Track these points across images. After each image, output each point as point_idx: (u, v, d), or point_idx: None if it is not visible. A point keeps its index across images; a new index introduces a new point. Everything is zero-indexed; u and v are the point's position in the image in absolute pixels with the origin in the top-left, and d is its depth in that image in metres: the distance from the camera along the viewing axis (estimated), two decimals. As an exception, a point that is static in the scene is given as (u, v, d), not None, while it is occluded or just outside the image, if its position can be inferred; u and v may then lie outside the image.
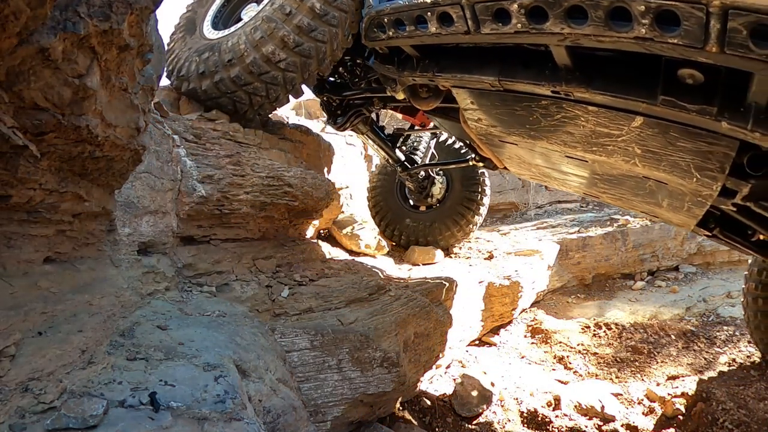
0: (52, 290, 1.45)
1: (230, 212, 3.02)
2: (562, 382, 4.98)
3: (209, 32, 3.69)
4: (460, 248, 6.56)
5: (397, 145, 5.36)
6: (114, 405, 1.25)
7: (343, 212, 5.86)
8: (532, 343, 5.97)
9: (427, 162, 5.58)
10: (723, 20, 1.21)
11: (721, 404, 3.92)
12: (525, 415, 4.37)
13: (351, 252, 5.33)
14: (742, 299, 4.63)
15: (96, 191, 1.66)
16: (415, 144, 5.69)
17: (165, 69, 3.64)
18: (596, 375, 5.25)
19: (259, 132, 3.53)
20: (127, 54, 1.31)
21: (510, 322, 6.34)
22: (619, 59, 1.72)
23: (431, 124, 4.88)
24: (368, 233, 5.66)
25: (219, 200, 2.92)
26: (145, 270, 2.26)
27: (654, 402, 4.59)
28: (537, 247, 7.16)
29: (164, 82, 3.64)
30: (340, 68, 4.05)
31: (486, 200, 5.94)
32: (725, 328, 5.98)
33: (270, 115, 4.38)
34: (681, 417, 4.20)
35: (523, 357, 5.59)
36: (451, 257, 6.26)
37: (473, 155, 4.32)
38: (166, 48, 3.78)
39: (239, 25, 3.45)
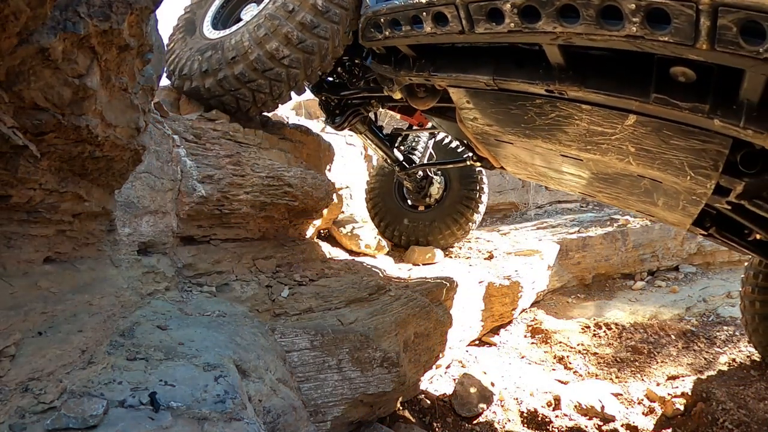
0: (52, 290, 1.45)
1: (230, 212, 3.02)
2: (562, 382, 4.98)
3: (209, 32, 3.70)
4: (460, 248, 6.56)
5: (396, 144, 5.37)
6: (114, 405, 1.25)
7: (343, 212, 5.86)
8: (532, 343, 5.97)
9: (425, 162, 5.59)
10: (713, 17, 1.22)
11: (721, 404, 3.92)
12: (525, 415, 4.37)
13: (351, 252, 5.33)
14: (740, 303, 4.63)
15: (96, 191, 1.66)
16: (413, 144, 5.70)
17: (165, 69, 3.64)
18: (596, 375, 5.25)
19: (259, 132, 3.53)
20: (127, 54, 1.31)
21: (510, 322, 6.34)
22: (612, 58, 1.74)
23: (429, 124, 4.89)
24: (368, 233, 5.66)
25: (219, 200, 2.92)
26: (145, 270, 2.26)
27: (654, 402, 4.59)
28: (537, 247, 7.16)
29: (164, 82, 3.64)
30: (339, 68, 4.06)
31: (484, 198, 5.95)
32: (725, 328, 5.98)
33: (270, 115, 4.38)
34: (681, 417, 4.20)
35: (523, 357, 5.59)
36: (451, 257, 6.26)
37: (471, 155, 4.33)
38: (165, 49, 3.79)
39: (241, 24, 3.46)
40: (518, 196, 11.39)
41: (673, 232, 8.25)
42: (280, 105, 3.60)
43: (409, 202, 6.03)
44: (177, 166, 2.73)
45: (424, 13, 2.02)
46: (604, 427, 4.25)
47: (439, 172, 5.90)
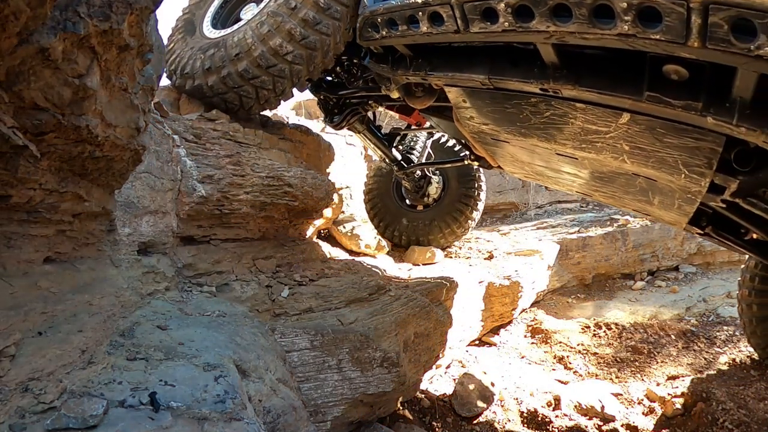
0: (52, 290, 1.45)
1: (230, 212, 3.02)
2: (562, 382, 4.98)
3: (210, 32, 3.71)
4: (460, 248, 6.56)
5: (394, 144, 5.37)
6: (114, 405, 1.25)
7: (343, 212, 5.86)
8: (532, 343, 5.97)
9: (423, 161, 5.60)
10: (704, 15, 1.23)
11: (721, 404, 3.92)
12: (525, 415, 4.37)
13: (351, 252, 5.33)
14: (737, 306, 4.64)
15: (96, 191, 1.66)
16: (411, 143, 5.70)
17: (166, 69, 3.65)
18: (596, 375, 5.25)
19: (259, 132, 3.53)
20: (127, 54, 1.31)
21: (510, 322, 6.34)
22: (606, 57, 1.75)
23: (427, 124, 4.89)
24: (368, 233, 5.66)
25: (219, 200, 2.92)
26: (145, 270, 2.26)
27: (654, 402, 4.59)
28: (537, 247, 7.16)
29: (164, 82, 3.65)
30: (337, 67, 4.08)
31: (483, 196, 5.97)
32: (725, 328, 5.98)
33: (270, 115, 4.38)
34: (681, 417, 4.20)
35: (523, 357, 5.59)
36: (451, 257, 6.26)
37: (468, 154, 4.34)
38: (165, 49, 3.79)
39: (242, 22, 3.48)
40: (518, 196, 11.39)
41: (673, 232, 8.25)
42: (282, 101, 3.61)
43: (408, 201, 6.03)
44: (177, 166, 2.73)
45: (420, 13, 2.04)
46: (604, 427, 4.25)
47: (437, 172, 5.91)
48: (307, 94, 4.69)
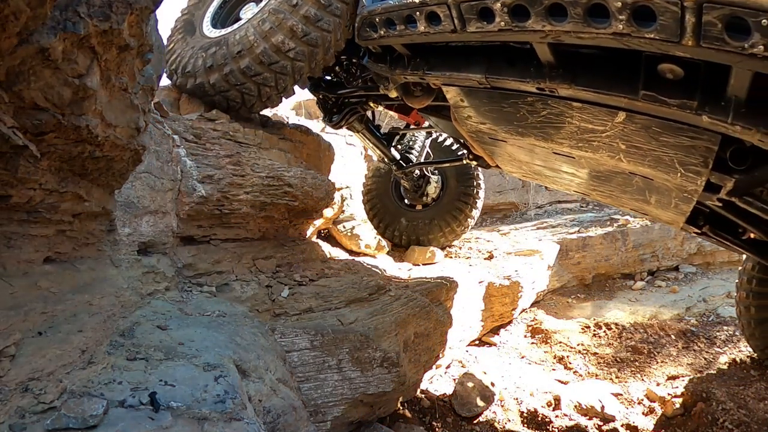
0: (52, 290, 1.45)
1: (230, 212, 3.02)
2: (562, 382, 4.98)
3: (210, 32, 3.72)
4: (460, 248, 6.56)
5: (393, 143, 5.38)
6: (114, 405, 1.25)
7: (343, 212, 5.86)
8: (532, 343, 5.97)
9: (422, 161, 5.60)
10: (698, 14, 1.23)
11: (721, 404, 3.92)
12: (525, 415, 4.37)
13: (351, 252, 5.33)
14: (736, 308, 4.64)
15: (96, 191, 1.66)
16: (410, 143, 5.71)
17: (166, 69, 3.66)
18: (596, 375, 5.25)
19: (259, 132, 3.53)
20: (127, 54, 1.31)
21: (510, 322, 6.34)
22: (602, 56, 1.76)
23: (426, 123, 4.90)
24: (368, 233, 5.66)
25: (219, 200, 2.92)
26: (145, 270, 2.26)
27: (654, 402, 4.59)
28: (537, 247, 7.16)
29: (164, 81, 3.65)
30: (337, 67, 4.09)
31: (482, 194, 5.97)
32: (725, 328, 5.98)
33: (270, 115, 4.38)
34: (681, 417, 4.20)
35: (523, 357, 5.59)
36: (451, 257, 6.26)
37: (467, 154, 4.34)
38: (165, 49, 3.79)
39: (243, 21, 3.49)
40: (518, 196, 11.39)
41: (673, 232, 8.25)
42: (284, 99, 3.63)
43: (407, 201, 6.04)
44: (177, 166, 2.73)
45: (418, 13, 2.05)
46: (604, 427, 4.24)
47: (436, 171, 5.91)
48: (307, 94, 4.70)
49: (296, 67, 3.34)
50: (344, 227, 5.55)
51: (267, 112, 4.98)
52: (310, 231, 4.45)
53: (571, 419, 4.29)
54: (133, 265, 2.18)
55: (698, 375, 4.82)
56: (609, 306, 7.31)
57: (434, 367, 4.51)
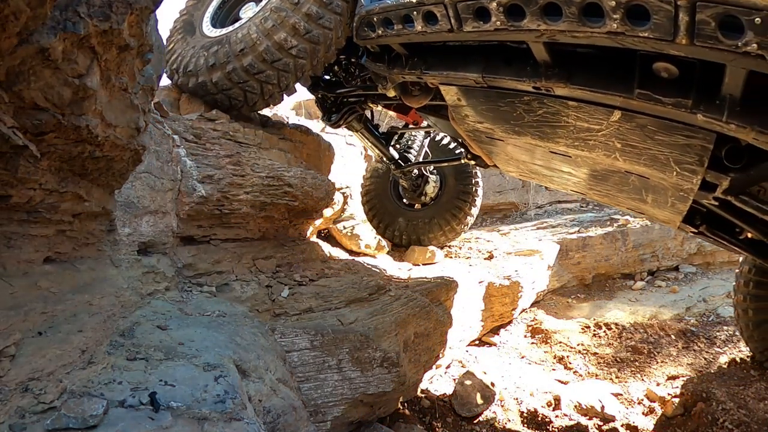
0: (52, 290, 1.45)
1: (230, 212, 3.02)
2: (562, 382, 4.98)
3: (210, 31, 3.73)
4: (460, 248, 6.56)
5: (391, 143, 5.38)
6: (114, 405, 1.25)
7: (343, 212, 5.86)
8: (532, 343, 5.97)
9: (420, 160, 5.61)
10: (691, 12, 1.24)
11: (721, 404, 3.92)
12: (525, 415, 4.37)
13: (351, 252, 5.33)
14: (734, 311, 4.64)
15: (96, 191, 1.66)
16: (409, 142, 5.72)
17: (167, 69, 3.66)
18: (596, 375, 5.25)
19: (259, 132, 3.53)
20: (127, 54, 1.31)
21: (510, 322, 6.34)
22: (597, 55, 1.77)
23: (424, 123, 4.90)
24: (368, 233, 5.66)
25: (219, 200, 2.92)
26: (145, 270, 2.26)
27: (654, 402, 4.59)
28: (537, 247, 7.16)
29: (164, 81, 3.65)
30: (336, 66, 4.10)
31: (480, 191, 5.98)
32: (725, 328, 5.98)
33: (270, 115, 4.38)
34: (681, 417, 4.20)
35: (523, 357, 5.59)
36: (451, 257, 6.25)
37: (465, 153, 4.35)
38: (165, 49, 3.80)
39: (244, 20, 3.50)
40: (518, 196, 11.39)
41: (673, 232, 8.25)
42: (285, 96, 3.64)
43: (406, 201, 6.04)
44: (177, 166, 2.73)
45: (415, 13, 2.07)
46: (604, 427, 4.25)
47: (434, 171, 5.92)
48: (307, 94, 4.70)
49: (298, 65, 3.36)
50: (344, 227, 5.55)
51: (267, 112, 4.99)
52: (310, 231, 4.45)
53: (571, 419, 4.29)
54: (133, 265, 2.18)
55: (698, 375, 4.82)
56: (609, 306, 7.31)
57: (434, 367, 4.51)
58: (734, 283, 4.57)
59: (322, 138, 4.83)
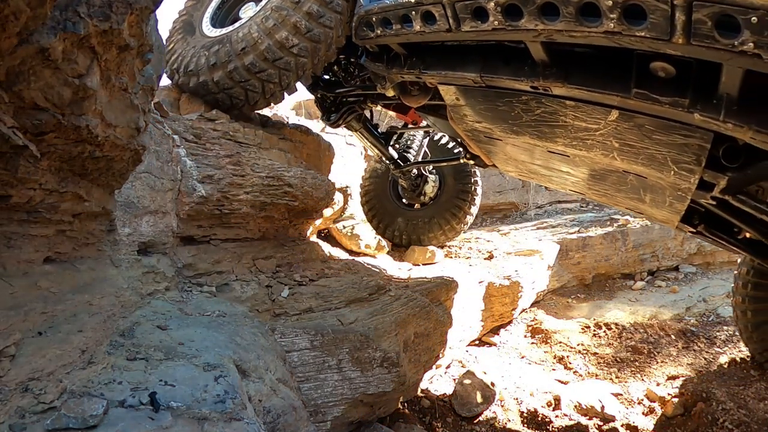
0: (52, 290, 1.45)
1: (230, 212, 3.02)
2: (562, 382, 4.98)
3: (210, 31, 3.74)
4: (460, 248, 6.56)
5: (391, 143, 5.39)
6: (114, 405, 1.25)
7: (343, 212, 5.86)
8: (532, 343, 5.97)
9: (419, 160, 5.62)
10: (688, 12, 1.25)
11: (721, 404, 3.92)
12: (525, 415, 4.37)
13: (351, 252, 5.33)
14: (732, 312, 4.65)
15: (96, 191, 1.66)
16: (408, 142, 5.73)
17: (167, 69, 3.66)
18: (596, 375, 5.25)
19: (259, 132, 3.53)
20: (127, 54, 1.31)
21: (510, 322, 6.34)
22: (595, 55, 1.78)
23: (423, 123, 4.91)
24: (368, 233, 5.66)
25: (219, 200, 2.92)
26: (145, 270, 2.26)
27: (654, 402, 4.59)
28: (537, 247, 7.16)
29: (164, 81, 3.65)
30: (335, 66, 4.11)
31: (479, 190, 5.98)
32: (725, 328, 5.98)
33: (270, 115, 4.39)
34: (681, 417, 4.20)
35: (523, 357, 5.59)
36: (451, 257, 6.25)
37: (464, 153, 4.36)
38: (165, 50, 3.80)
39: (244, 19, 3.51)
40: (518, 196, 11.39)
41: (673, 232, 8.25)
42: (287, 95, 3.65)
43: (405, 201, 6.04)
44: (177, 166, 2.73)
45: (414, 12, 2.08)
46: (604, 427, 4.25)
47: (433, 171, 5.92)
48: (308, 94, 4.71)
49: (299, 63, 3.37)
50: (344, 227, 5.55)
51: (267, 112, 4.99)
52: (310, 231, 4.45)
53: (571, 419, 4.29)
54: (133, 265, 2.18)
55: (698, 375, 4.82)
56: (609, 306, 7.31)
57: (434, 367, 4.51)
58: (732, 285, 4.58)
59: (322, 138, 4.83)
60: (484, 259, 6.38)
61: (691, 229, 2.67)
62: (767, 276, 4.22)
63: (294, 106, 10.39)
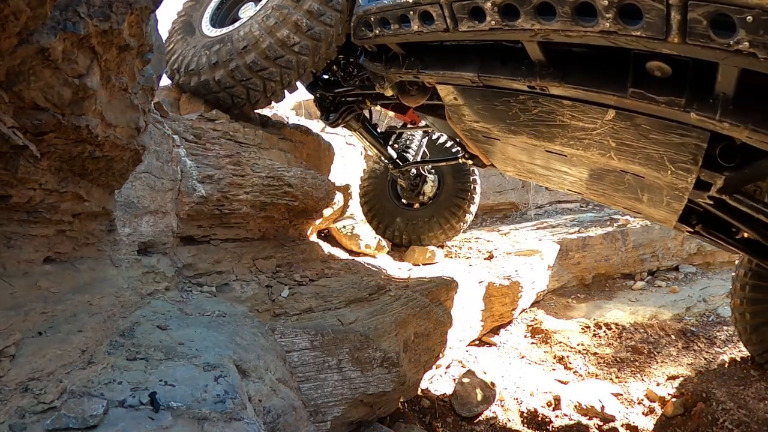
0: (52, 290, 1.45)
1: (230, 212, 3.02)
2: (562, 382, 4.98)
3: (210, 31, 3.74)
4: (460, 248, 6.56)
5: (390, 142, 5.39)
6: (114, 405, 1.25)
7: (343, 212, 5.86)
8: (532, 343, 5.97)
9: (418, 159, 5.62)
10: (683, 11, 1.25)
11: (721, 404, 3.92)
12: (525, 415, 4.37)
13: (351, 252, 5.33)
14: (731, 314, 4.65)
15: (96, 191, 1.66)
16: (407, 142, 5.73)
17: (167, 69, 3.67)
18: (596, 375, 5.25)
19: (259, 132, 3.53)
20: (127, 54, 1.31)
21: (510, 322, 6.34)
22: (591, 54, 1.78)
23: (422, 122, 4.91)
24: (368, 233, 5.66)
25: (219, 200, 2.92)
26: (145, 270, 2.26)
27: (654, 402, 4.59)
28: (537, 247, 7.16)
29: (164, 82, 3.65)
30: (334, 66, 4.11)
31: (478, 189, 5.99)
32: (725, 328, 5.98)
33: (270, 115, 4.39)
34: (681, 417, 4.20)
35: (523, 357, 5.59)
36: (451, 257, 6.25)
37: (463, 152, 4.37)
38: (165, 50, 3.80)
39: (244, 19, 3.52)
40: (518, 196, 11.39)
41: (673, 232, 8.21)
42: (287, 94, 3.66)
43: (404, 201, 6.04)
44: (177, 166, 2.73)
45: (411, 12, 2.09)
46: (604, 427, 4.25)
47: (432, 170, 5.93)
48: (308, 95, 4.71)
49: (301, 61, 3.39)
50: (344, 227, 5.55)
51: (267, 112, 4.99)
52: (310, 231, 4.45)
53: (571, 419, 4.29)
54: (133, 265, 2.18)
55: (698, 375, 4.82)
56: (609, 306, 7.31)
57: (434, 367, 4.51)
58: (730, 287, 4.58)
59: (322, 138, 4.84)
60: (484, 259, 6.38)
61: (689, 229, 2.68)
62: (765, 278, 4.23)
63: (294, 106, 10.39)
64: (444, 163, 5.58)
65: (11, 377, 1.14)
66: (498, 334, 6.04)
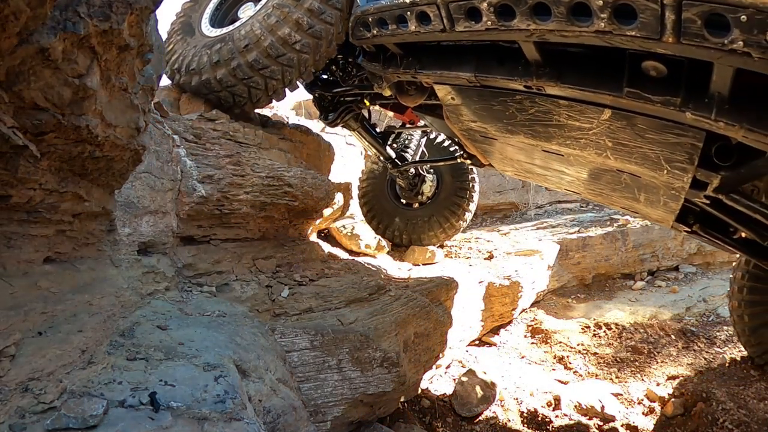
0: (52, 290, 1.45)
1: (230, 212, 3.02)
2: (562, 382, 4.98)
3: (210, 31, 3.75)
4: (460, 248, 6.56)
5: (388, 142, 5.40)
6: (114, 405, 1.25)
7: (343, 212, 5.86)
8: (532, 343, 5.97)
9: (417, 159, 5.63)
10: (677, 11, 1.26)
11: (721, 404, 3.92)
12: (525, 415, 4.37)
13: (351, 252, 5.33)
14: (730, 316, 4.65)
15: (96, 191, 1.66)
16: (406, 142, 5.74)
17: (167, 70, 3.67)
18: (596, 375, 5.25)
19: (259, 132, 3.53)
20: (127, 54, 1.31)
21: (510, 322, 6.34)
22: (587, 54, 1.79)
23: (421, 122, 4.92)
24: (368, 233, 5.67)
25: (219, 200, 2.92)
26: (145, 270, 2.26)
27: (654, 402, 4.59)
28: (537, 247, 7.16)
29: (164, 82, 3.65)
30: (333, 66, 4.12)
31: (477, 187, 5.99)
32: (725, 328, 5.98)
33: (270, 115, 4.39)
34: (681, 417, 4.20)
35: (523, 357, 5.59)
36: (451, 257, 6.25)
37: (461, 152, 4.37)
38: (165, 50, 3.81)
39: (245, 18, 3.53)
40: (518, 196, 11.39)
41: (673, 232, 8.22)
42: (288, 92, 3.67)
43: (403, 200, 6.05)
44: (177, 166, 2.73)
45: (409, 13, 2.10)
46: (604, 427, 4.25)
47: (431, 170, 5.93)
48: (308, 95, 4.71)
49: (302, 60, 3.40)
50: (344, 227, 5.55)
51: (267, 111, 4.99)
52: (309, 231, 4.45)
53: (571, 419, 4.29)
54: (133, 265, 2.18)
55: (698, 375, 4.82)
56: (609, 306, 7.31)
57: (434, 367, 4.51)
58: (728, 289, 4.59)
59: (322, 138, 4.84)
60: (484, 259, 6.38)
61: (687, 229, 2.68)
62: (762, 280, 4.23)
63: (294, 106, 10.39)
64: (442, 163, 5.59)
65: (11, 377, 1.14)
66: (498, 334, 6.04)
